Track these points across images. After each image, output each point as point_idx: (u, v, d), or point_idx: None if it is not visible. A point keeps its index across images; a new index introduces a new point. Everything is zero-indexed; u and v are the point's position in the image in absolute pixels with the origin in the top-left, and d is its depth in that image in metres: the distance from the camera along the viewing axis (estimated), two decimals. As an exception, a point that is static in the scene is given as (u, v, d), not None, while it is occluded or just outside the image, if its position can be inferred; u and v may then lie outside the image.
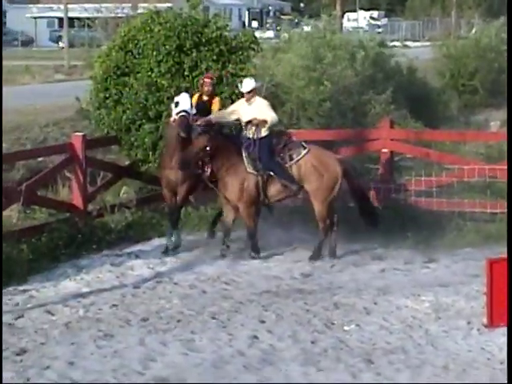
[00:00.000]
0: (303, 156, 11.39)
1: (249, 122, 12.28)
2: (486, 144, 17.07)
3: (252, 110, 12.20)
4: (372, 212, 12.00)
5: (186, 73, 13.45)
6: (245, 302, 10.52)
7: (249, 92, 12.62)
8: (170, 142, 12.57)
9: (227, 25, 14.87)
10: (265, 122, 11.88)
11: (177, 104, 12.19)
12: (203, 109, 12.63)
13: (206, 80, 12.94)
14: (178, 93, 12.90)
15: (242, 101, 12.81)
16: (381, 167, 14.21)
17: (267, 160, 11.91)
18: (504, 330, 9.02)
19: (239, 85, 12.90)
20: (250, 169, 12.15)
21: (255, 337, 9.01)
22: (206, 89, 12.78)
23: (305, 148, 11.38)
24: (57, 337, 8.89)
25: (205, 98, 12.80)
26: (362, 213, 11.75)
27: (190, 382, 8.37)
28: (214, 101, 12.87)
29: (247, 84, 12.72)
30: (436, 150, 15.02)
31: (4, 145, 15.56)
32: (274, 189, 12.78)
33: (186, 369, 8.43)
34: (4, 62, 40.63)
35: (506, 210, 13.42)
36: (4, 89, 25.80)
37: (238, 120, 12.59)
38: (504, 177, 13.54)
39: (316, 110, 17.56)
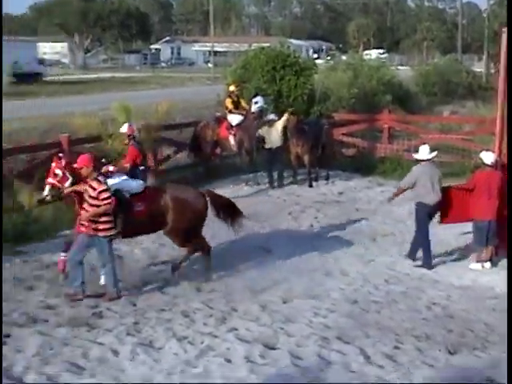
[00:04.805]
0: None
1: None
2: (441, 123, 21.14)
3: None
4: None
5: (277, 81, 18.48)
6: (308, 206, 13.78)
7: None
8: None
9: (299, 55, 20.35)
10: None
11: (256, 102, 15.37)
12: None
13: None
14: (272, 94, 17.57)
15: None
16: (383, 135, 18.53)
17: None
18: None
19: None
20: None
21: (311, 225, 12.54)
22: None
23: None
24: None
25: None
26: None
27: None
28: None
29: None
30: (413, 126, 19.07)
31: (177, 119, 17.52)
32: None
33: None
34: (181, 74, 53.60)
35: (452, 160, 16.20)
36: (181, 88, 32.92)
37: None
38: (452, 141, 17.45)
39: (347, 102, 21.55)
